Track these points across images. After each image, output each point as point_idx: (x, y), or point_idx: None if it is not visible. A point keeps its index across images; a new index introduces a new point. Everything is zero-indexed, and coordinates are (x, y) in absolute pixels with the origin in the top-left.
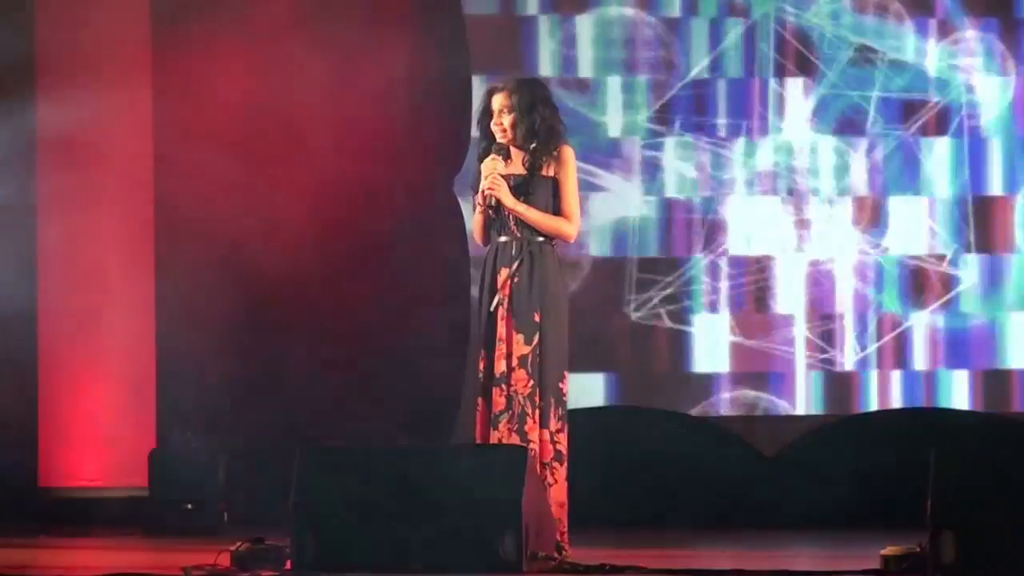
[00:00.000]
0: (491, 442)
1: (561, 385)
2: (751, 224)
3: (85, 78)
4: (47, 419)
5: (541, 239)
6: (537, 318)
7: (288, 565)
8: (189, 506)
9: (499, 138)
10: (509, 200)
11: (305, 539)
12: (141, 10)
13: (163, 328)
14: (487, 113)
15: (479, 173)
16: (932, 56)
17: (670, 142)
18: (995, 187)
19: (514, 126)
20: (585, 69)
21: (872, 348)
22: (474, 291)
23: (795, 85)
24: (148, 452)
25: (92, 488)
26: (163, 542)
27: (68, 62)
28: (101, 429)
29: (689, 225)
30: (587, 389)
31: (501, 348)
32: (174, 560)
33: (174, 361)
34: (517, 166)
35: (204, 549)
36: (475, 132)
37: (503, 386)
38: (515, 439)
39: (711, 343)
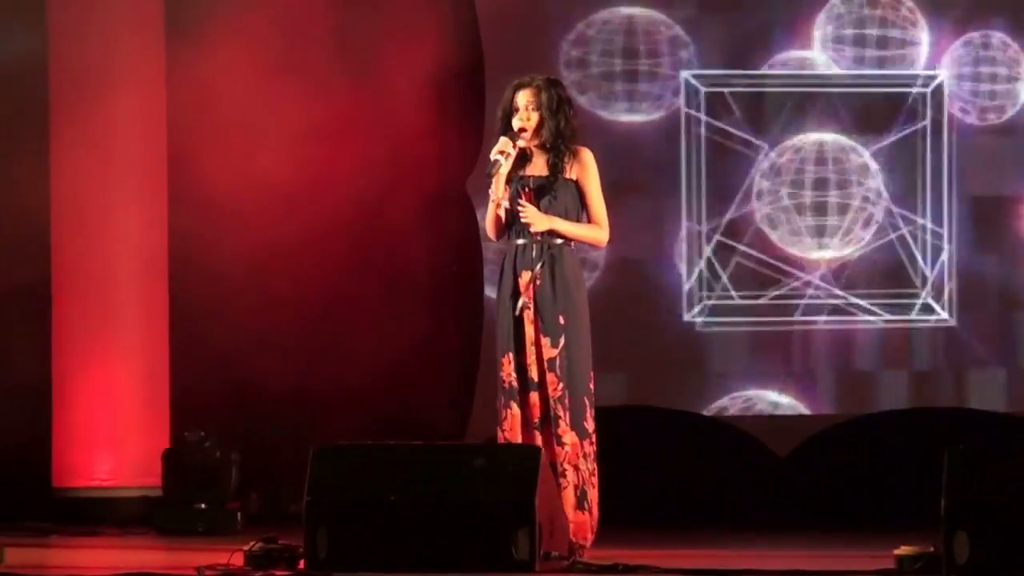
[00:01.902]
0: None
1: (590, 386)
2: (769, 224)
3: (99, 75)
4: (60, 419)
5: (560, 241)
6: (562, 321)
7: (301, 564)
8: (202, 506)
9: (518, 131)
10: (544, 225)
11: (318, 538)
12: (154, 8)
13: (177, 328)
14: (510, 109)
15: (493, 168)
16: None
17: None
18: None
19: (540, 126)
20: (598, 69)
21: (885, 347)
22: (488, 292)
23: None
24: (162, 452)
25: (105, 488)
26: (176, 542)
27: (81, 59)
28: (114, 429)
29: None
30: (601, 388)
31: (532, 352)
32: (187, 560)
33: (188, 361)
34: (540, 167)
35: (217, 549)
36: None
37: (540, 390)
38: (552, 443)
39: (726, 342)
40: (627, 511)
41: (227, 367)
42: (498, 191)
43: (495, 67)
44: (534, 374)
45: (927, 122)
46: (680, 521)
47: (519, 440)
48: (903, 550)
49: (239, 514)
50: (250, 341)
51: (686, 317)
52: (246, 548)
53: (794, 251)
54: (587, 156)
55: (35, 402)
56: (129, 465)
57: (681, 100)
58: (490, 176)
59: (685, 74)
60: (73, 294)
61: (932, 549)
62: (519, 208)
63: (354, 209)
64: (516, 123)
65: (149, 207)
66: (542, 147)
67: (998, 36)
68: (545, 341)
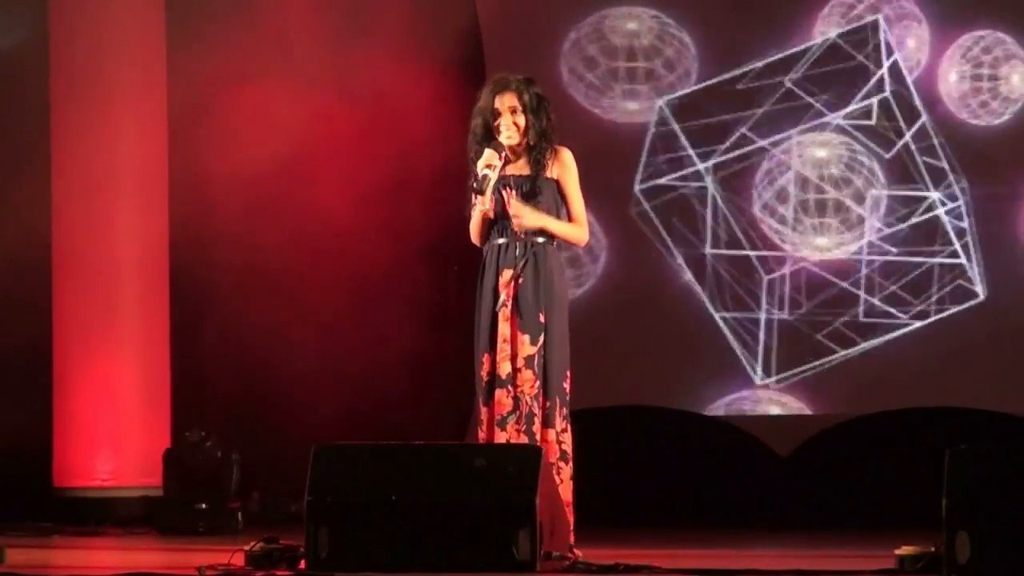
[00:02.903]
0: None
1: (565, 385)
2: (769, 222)
3: (99, 71)
4: (62, 419)
5: (542, 239)
6: (542, 318)
7: (302, 565)
8: (203, 506)
9: (505, 137)
10: (534, 220)
11: (319, 538)
12: (155, 5)
13: (178, 328)
14: (490, 111)
15: (475, 173)
16: None
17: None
18: None
19: (528, 127)
20: (598, 69)
21: (886, 347)
22: None
23: None
24: (162, 452)
25: (106, 488)
26: (177, 542)
27: (82, 55)
28: (115, 429)
29: (693, 215)
30: (601, 388)
31: (506, 349)
32: (188, 560)
33: (189, 361)
34: (521, 167)
35: (218, 549)
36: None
37: (509, 387)
38: (523, 440)
39: (726, 341)
40: (628, 511)
41: (228, 367)
42: (486, 202)
43: (496, 68)
44: (503, 372)
45: (924, 120)
46: (681, 521)
47: (485, 439)
48: (904, 550)
49: (240, 514)
50: (251, 342)
51: (686, 318)
52: (247, 548)
53: (792, 249)
54: (567, 156)
55: (36, 402)
56: (130, 465)
57: (686, 98)
58: (481, 192)
59: (691, 73)
60: (74, 295)
61: (933, 549)
62: (509, 208)
63: (355, 210)
64: (503, 126)
65: (149, 209)
66: (525, 147)
67: (996, 35)
68: (524, 338)
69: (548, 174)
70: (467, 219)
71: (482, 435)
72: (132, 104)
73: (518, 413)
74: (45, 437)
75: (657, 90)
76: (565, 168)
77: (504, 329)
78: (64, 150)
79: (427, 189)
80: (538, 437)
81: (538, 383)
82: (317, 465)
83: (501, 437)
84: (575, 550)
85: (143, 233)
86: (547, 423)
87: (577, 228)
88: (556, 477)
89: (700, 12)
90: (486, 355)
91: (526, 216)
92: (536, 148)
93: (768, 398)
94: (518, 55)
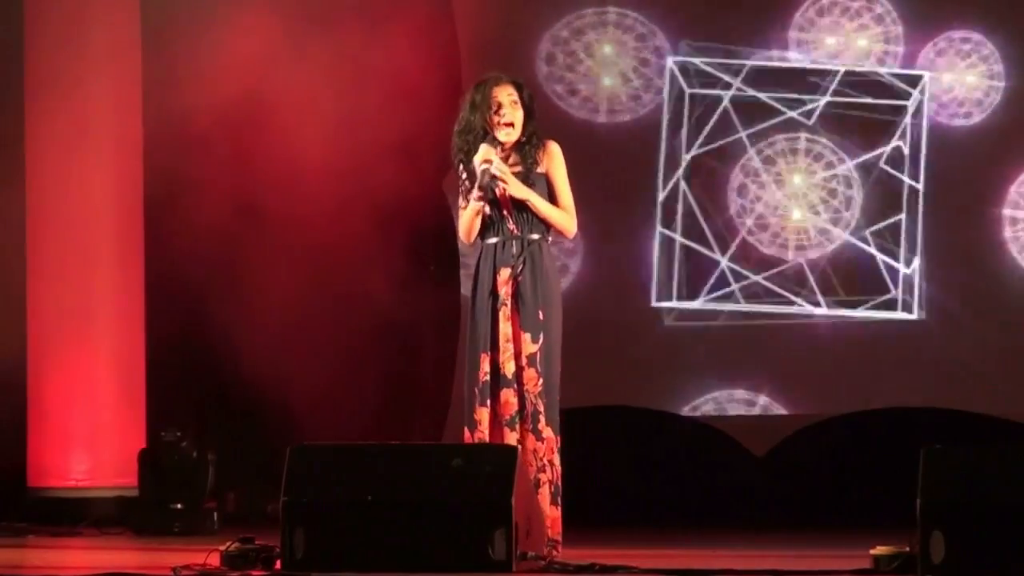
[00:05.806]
0: (507, 443)
1: (558, 382)
2: (745, 223)
3: (74, 64)
4: (36, 419)
5: (536, 236)
6: (541, 316)
7: (278, 565)
8: (179, 506)
9: (501, 133)
10: (521, 191)
11: (295, 539)
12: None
13: (153, 328)
14: (489, 104)
15: (470, 169)
16: None
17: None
18: None
19: (525, 122)
20: (578, 69)
21: (862, 347)
22: (463, 291)
23: None
24: (138, 452)
25: (81, 488)
26: (152, 542)
27: (57, 48)
28: (91, 429)
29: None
30: (577, 389)
31: (509, 348)
32: (163, 560)
33: (164, 361)
34: (513, 164)
35: (194, 549)
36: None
37: (515, 386)
38: (531, 438)
39: (702, 341)
40: (604, 511)
41: (204, 367)
42: (480, 197)
43: (473, 68)
44: (508, 371)
45: (905, 121)
46: (657, 521)
47: (490, 438)
48: (879, 550)
49: (215, 514)
50: (227, 341)
51: (662, 317)
52: (222, 548)
53: (769, 250)
54: (555, 148)
55: (11, 402)
56: (105, 465)
57: (664, 98)
58: (483, 187)
59: (669, 72)
60: (49, 293)
61: (908, 548)
62: (500, 175)
63: (331, 211)
64: (504, 118)
65: (125, 206)
66: (517, 142)
67: (975, 36)
68: (525, 337)
69: (539, 170)
70: (454, 217)
71: (479, 436)
72: (107, 105)
73: (524, 412)
74: (20, 437)
75: (639, 91)
76: (553, 161)
77: (506, 328)
78: (38, 150)
79: (401, 188)
80: (544, 434)
81: (540, 380)
82: (293, 465)
83: (511, 437)
84: (558, 549)
85: (118, 232)
86: (551, 421)
87: (565, 215)
88: (558, 475)
89: (680, 12)
90: (484, 355)
91: (512, 184)
92: (528, 144)
93: (743, 398)
94: (496, 56)
